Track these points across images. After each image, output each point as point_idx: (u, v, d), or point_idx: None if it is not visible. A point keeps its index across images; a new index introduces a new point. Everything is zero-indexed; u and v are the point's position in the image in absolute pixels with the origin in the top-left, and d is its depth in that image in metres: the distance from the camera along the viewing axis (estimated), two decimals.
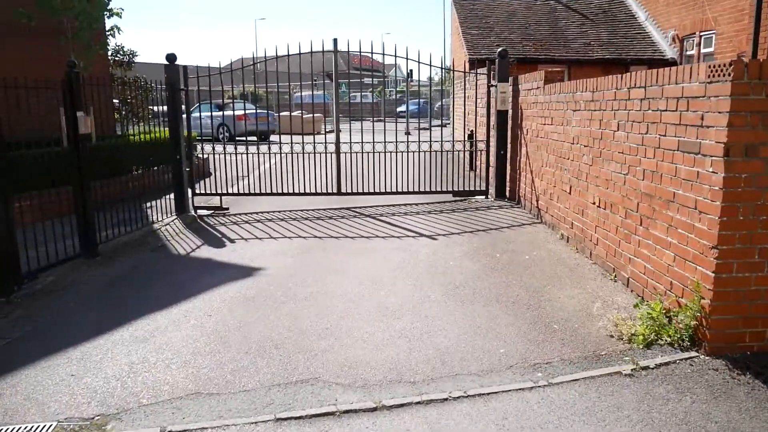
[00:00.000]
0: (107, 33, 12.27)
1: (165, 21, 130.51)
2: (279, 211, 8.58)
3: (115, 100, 13.92)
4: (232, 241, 7.01)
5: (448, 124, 22.38)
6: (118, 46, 14.43)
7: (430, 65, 9.12)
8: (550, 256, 5.91)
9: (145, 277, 5.78)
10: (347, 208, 8.63)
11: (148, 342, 4.16)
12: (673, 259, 4.11)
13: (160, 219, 8.11)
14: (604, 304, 4.59)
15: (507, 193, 8.86)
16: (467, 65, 11.65)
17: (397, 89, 41.82)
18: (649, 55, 13.32)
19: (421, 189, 8.95)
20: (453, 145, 9.76)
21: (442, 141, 9.20)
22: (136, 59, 15.03)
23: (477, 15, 14.84)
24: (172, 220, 8.18)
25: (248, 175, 9.44)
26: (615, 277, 5.14)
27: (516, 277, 5.31)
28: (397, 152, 8.89)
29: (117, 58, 14.30)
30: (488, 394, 3.34)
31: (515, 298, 4.80)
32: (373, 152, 8.84)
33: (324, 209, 8.63)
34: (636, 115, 4.69)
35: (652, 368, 3.56)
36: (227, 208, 8.78)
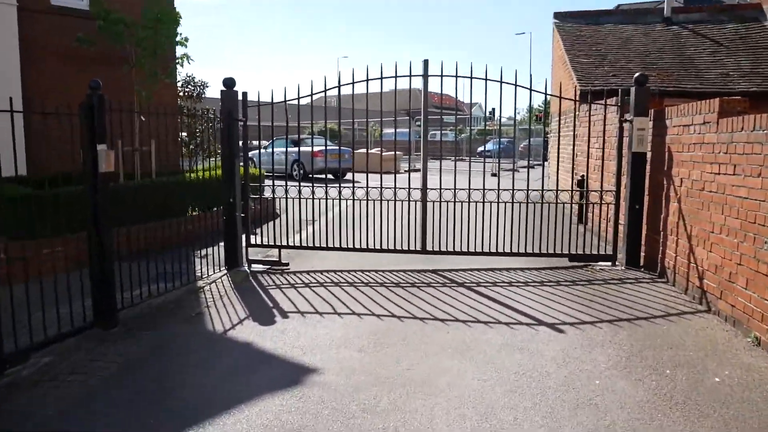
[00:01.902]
0: (177, 61, 11.36)
1: (248, 64, 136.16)
2: (348, 271, 6.90)
3: (183, 134, 13.01)
4: (284, 315, 5.35)
5: (537, 165, 20.40)
6: (189, 76, 13.52)
7: (546, 94, 7.30)
8: (755, 380, 3.82)
9: (161, 369, 4.19)
10: (433, 271, 6.82)
11: None
12: None
13: (207, 273, 6.68)
14: None
15: (642, 261, 6.79)
16: (577, 97, 9.72)
17: (478, 128, 40.17)
18: None
19: (527, 250, 7.01)
20: (572, 195, 7.81)
21: (559, 190, 7.28)
22: (211, 94, 14.13)
23: (585, 41, 12.88)
24: (220, 277, 6.70)
25: (318, 219, 7.89)
26: None
27: (718, 425, 3.28)
28: (499, 202, 7.00)
29: (187, 90, 13.38)
30: None
31: None
32: (469, 201, 7.01)
33: (404, 271, 6.87)
34: None
35: None
36: (287, 264, 7.20)
